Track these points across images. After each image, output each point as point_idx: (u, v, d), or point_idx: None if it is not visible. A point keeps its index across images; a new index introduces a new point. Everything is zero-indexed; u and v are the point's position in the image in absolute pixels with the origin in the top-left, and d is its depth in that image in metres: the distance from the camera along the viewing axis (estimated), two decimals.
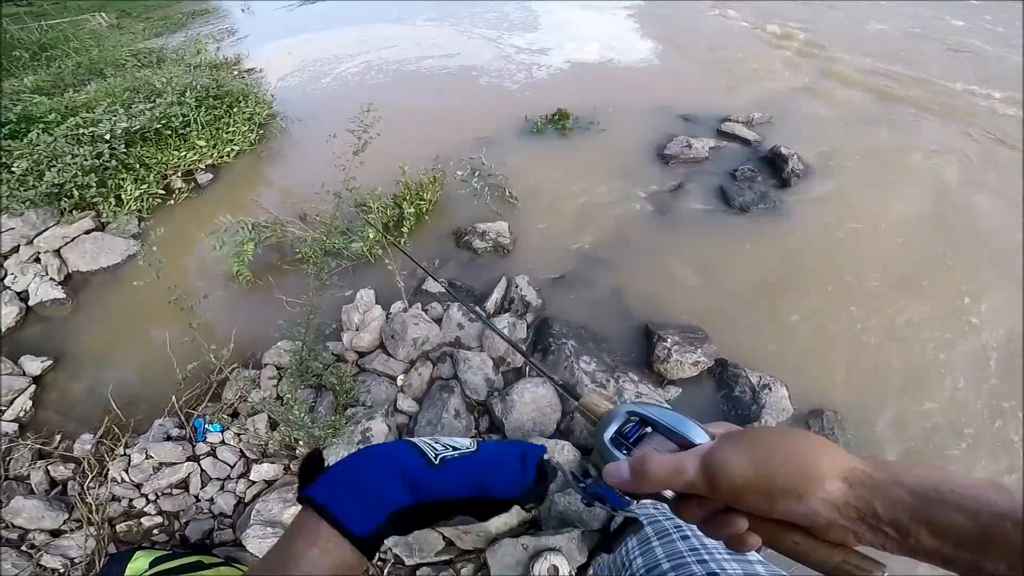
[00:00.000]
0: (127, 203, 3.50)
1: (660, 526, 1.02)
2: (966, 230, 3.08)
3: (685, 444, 0.48)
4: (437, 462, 0.52)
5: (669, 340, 2.39)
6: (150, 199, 3.62)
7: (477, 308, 2.58)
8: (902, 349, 2.45)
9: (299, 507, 0.50)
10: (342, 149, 2.34)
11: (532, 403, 2.17)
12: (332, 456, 1.98)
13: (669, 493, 0.47)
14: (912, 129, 4.12)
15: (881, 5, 6.79)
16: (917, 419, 2.20)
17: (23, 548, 1.92)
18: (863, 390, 2.30)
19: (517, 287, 2.67)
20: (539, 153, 3.88)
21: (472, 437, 0.58)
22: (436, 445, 0.54)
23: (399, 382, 2.36)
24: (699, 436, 0.48)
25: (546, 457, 0.56)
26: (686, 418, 0.49)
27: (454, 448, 0.54)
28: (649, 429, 0.52)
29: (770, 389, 2.21)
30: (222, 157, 4.09)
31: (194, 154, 3.96)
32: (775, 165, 3.65)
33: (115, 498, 2.03)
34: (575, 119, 4.14)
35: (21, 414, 2.45)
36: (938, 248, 2.95)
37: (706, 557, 0.84)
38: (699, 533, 0.92)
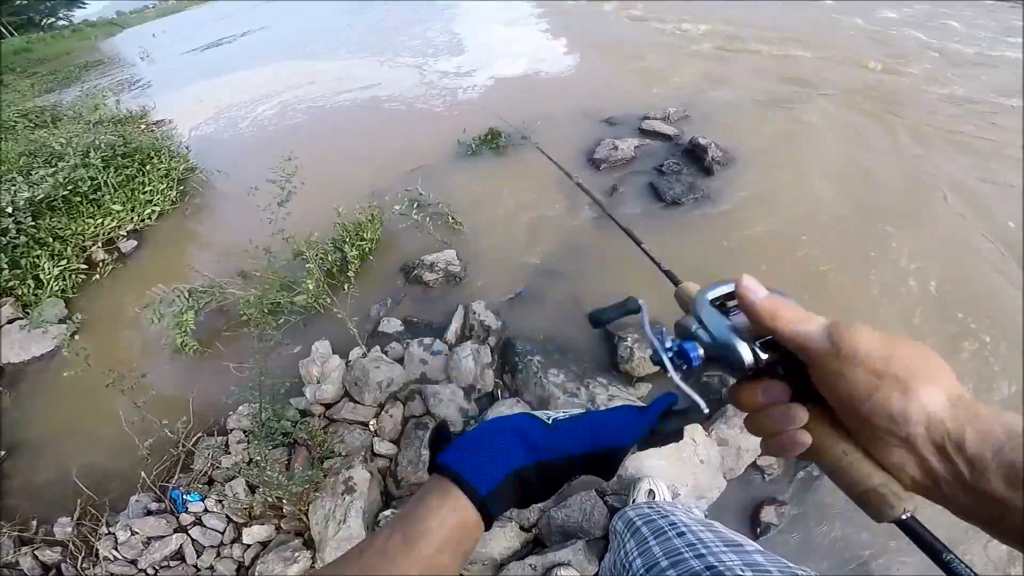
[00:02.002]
0: (47, 283, 3.25)
1: (656, 525, 1.04)
2: (877, 193, 3.36)
3: None
4: (550, 423, 0.54)
5: (629, 339, 2.48)
6: (72, 276, 3.38)
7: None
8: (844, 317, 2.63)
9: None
10: (267, 201, 2.30)
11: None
12: (320, 510, 1.96)
13: (749, 358, 0.45)
14: (817, 107, 4.45)
15: None
16: None
17: None
18: None
19: (475, 314, 2.70)
20: (477, 174, 3.93)
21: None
22: (550, 412, 0.56)
23: (371, 427, 2.34)
24: None
25: (677, 407, 0.53)
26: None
27: (567, 414, 0.56)
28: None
29: None
30: (143, 220, 3.88)
31: (111, 220, 3.74)
32: (696, 156, 3.85)
33: None
34: (507, 136, 4.22)
35: None
36: (858, 215, 3.18)
37: (703, 551, 0.85)
38: (695, 528, 0.95)
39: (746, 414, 0.47)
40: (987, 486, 0.35)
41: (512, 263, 3.10)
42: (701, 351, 0.47)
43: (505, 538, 1.83)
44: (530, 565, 1.76)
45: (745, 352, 0.44)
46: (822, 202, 3.28)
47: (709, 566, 0.81)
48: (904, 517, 0.39)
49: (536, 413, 0.55)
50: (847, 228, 3.06)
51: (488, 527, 0.49)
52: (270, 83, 6.22)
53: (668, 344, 0.49)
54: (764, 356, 0.45)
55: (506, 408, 2.27)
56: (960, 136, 3.85)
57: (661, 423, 0.53)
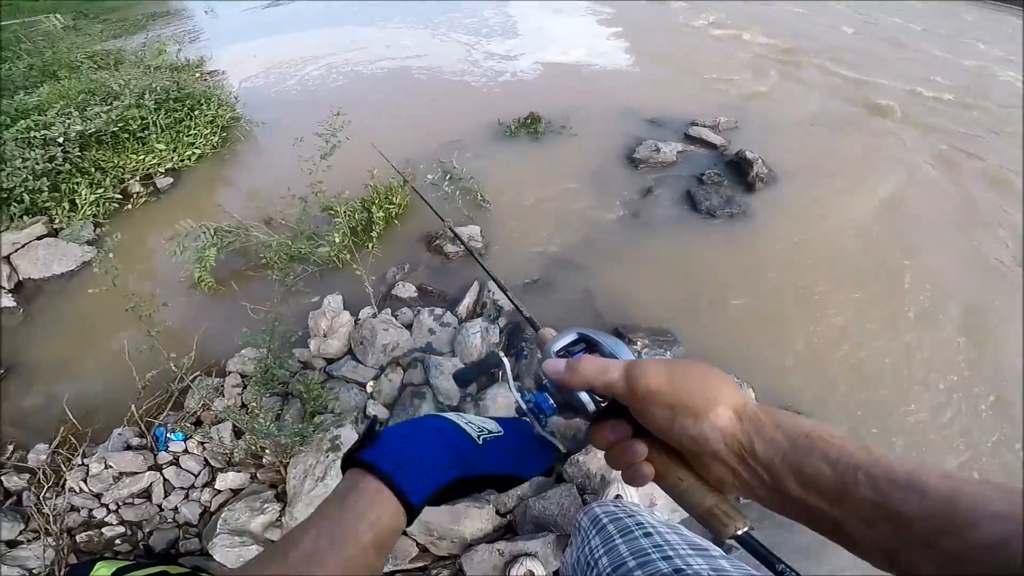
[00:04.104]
0: (82, 208, 3.35)
1: (622, 524, 1.03)
2: (918, 232, 3.20)
3: None
4: (480, 443, 0.57)
5: (639, 343, 2.41)
6: (106, 204, 3.47)
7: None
8: (863, 348, 2.52)
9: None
10: (309, 152, 2.31)
11: (506, 408, 2.15)
12: (300, 464, 1.94)
13: (591, 406, 0.51)
14: (875, 133, 4.27)
15: (856, 8, 7.01)
16: (880, 417, 2.24)
17: None
18: (827, 388, 2.35)
19: (490, 292, 2.66)
20: (511, 157, 3.88)
21: (492, 418, 0.64)
22: (473, 424, 0.59)
23: (369, 388, 2.31)
24: (629, 357, 0.54)
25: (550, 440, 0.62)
26: (624, 345, 0.55)
27: (488, 431, 0.60)
28: (585, 349, 0.58)
29: None
30: (183, 161, 3.96)
31: (153, 158, 3.83)
32: (740, 170, 3.73)
33: (74, 508, 1.96)
34: (547, 123, 4.16)
35: None
36: (895, 251, 3.05)
37: (671, 553, 0.85)
38: (662, 530, 0.95)
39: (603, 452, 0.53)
40: (785, 488, 0.39)
41: (533, 248, 3.05)
42: (552, 402, 0.56)
43: (480, 520, 1.80)
44: (498, 550, 1.74)
45: (586, 400, 0.51)
46: (863, 237, 3.14)
47: (676, 569, 0.80)
48: (739, 533, 0.43)
49: (464, 426, 0.59)
50: (880, 270, 2.93)
51: (409, 524, 0.52)
52: (321, 44, 6.26)
53: (527, 397, 0.59)
54: (602, 402, 0.51)
55: (505, 391, 2.22)
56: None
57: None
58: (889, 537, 0.34)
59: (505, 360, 0.65)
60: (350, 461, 0.52)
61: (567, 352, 0.57)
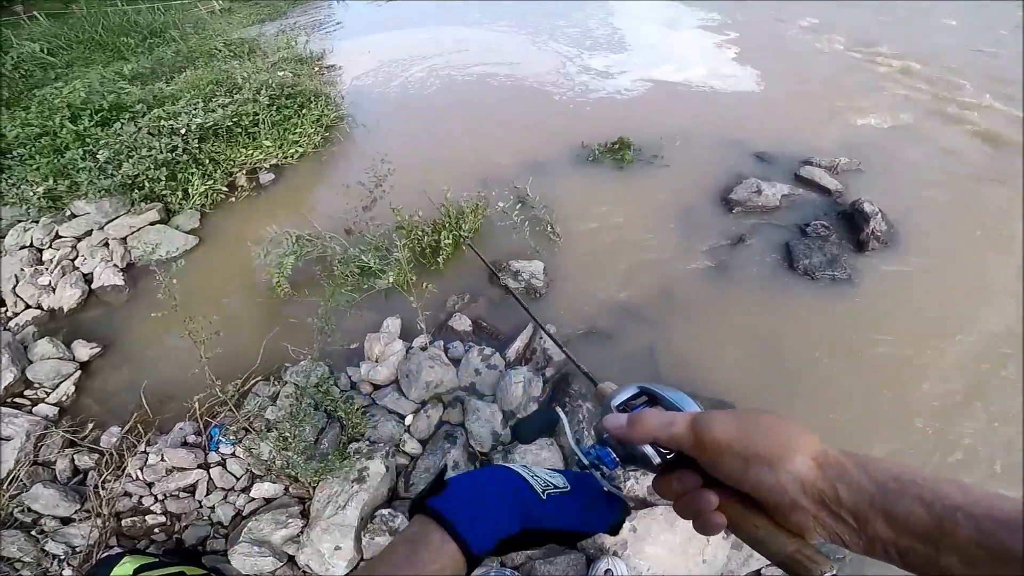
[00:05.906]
0: (193, 197, 3.66)
1: None
2: None
3: None
4: (544, 497, 0.57)
5: None
6: (214, 195, 3.78)
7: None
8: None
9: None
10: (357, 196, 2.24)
11: (535, 465, 2.07)
12: (326, 489, 2.00)
13: (656, 459, 0.51)
14: None
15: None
16: None
17: (32, 532, 2.03)
18: None
19: (541, 339, 2.55)
20: (591, 186, 3.70)
21: (558, 471, 0.64)
22: (538, 478, 0.59)
23: (407, 422, 2.33)
24: (694, 409, 0.53)
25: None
26: (688, 397, 0.54)
27: (554, 485, 0.59)
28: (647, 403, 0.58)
29: None
30: (286, 158, 4.21)
31: (260, 153, 4.09)
32: (854, 224, 3.26)
33: (127, 494, 2.14)
34: (637, 150, 3.91)
35: (63, 398, 2.58)
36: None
37: None
38: None
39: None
40: (874, 533, 0.38)
41: (596, 294, 2.89)
42: (615, 455, 0.55)
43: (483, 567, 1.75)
44: None
45: (650, 453, 0.51)
46: (987, 337, 2.60)
47: None
48: None
49: (529, 479, 0.58)
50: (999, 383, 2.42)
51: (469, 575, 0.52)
52: (429, 43, 6.35)
53: (588, 451, 0.58)
54: (668, 454, 0.51)
55: (535, 448, 2.13)
56: None
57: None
58: (994, 573, 0.34)
59: (563, 416, 0.66)
60: (417, 506, 0.54)
61: (627, 406, 0.57)
